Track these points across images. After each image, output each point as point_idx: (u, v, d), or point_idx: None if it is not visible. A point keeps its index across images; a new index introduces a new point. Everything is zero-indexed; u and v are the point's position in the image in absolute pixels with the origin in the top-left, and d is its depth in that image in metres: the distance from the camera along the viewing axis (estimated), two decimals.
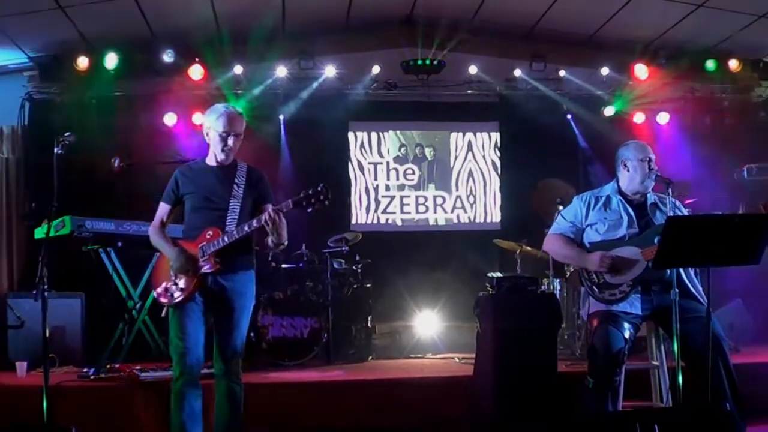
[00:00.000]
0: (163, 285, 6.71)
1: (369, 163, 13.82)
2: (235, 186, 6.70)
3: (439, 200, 13.94)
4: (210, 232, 6.58)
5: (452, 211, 13.95)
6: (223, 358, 6.58)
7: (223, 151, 6.74)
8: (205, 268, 6.55)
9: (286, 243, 6.79)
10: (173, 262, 6.64)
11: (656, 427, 5.35)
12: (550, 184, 11.46)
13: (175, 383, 6.50)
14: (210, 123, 6.80)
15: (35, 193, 11.36)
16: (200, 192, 6.77)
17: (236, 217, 6.59)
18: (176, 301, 6.58)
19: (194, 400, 6.50)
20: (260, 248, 7.02)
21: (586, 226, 7.08)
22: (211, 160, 6.87)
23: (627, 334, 6.65)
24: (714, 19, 11.56)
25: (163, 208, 6.98)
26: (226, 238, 6.50)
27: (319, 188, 6.31)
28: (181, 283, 6.59)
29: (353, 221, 13.49)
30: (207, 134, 6.85)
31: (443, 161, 13.97)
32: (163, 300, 6.69)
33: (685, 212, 7.24)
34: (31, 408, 7.22)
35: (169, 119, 12.32)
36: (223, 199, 6.66)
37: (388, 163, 13.85)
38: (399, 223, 13.83)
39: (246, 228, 6.46)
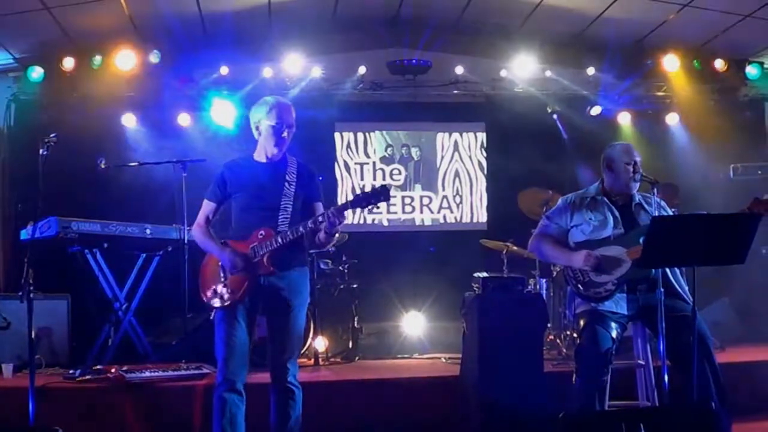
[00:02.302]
0: (212, 288, 6.60)
1: (355, 163, 13.81)
2: (286, 184, 6.56)
3: (426, 200, 13.94)
4: (262, 232, 6.45)
5: (439, 212, 13.96)
6: (280, 360, 6.50)
7: (277, 145, 6.60)
8: (259, 271, 6.45)
9: (329, 247, 6.78)
10: (225, 263, 6.52)
11: (642, 426, 5.35)
12: (532, 191, 11.44)
13: (217, 388, 6.46)
14: (260, 116, 6.64)
15: (21, 195, 11.35)
16: (250, 190, 6.63)
17: (288, 216, 6.48)
18: (226, 303, 6.49)
19: (235, 407, 6.43)
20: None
21: (571, 227, 7.12)
22: (260, 156, 6.73)
23: (614, 334, 6.69)
24: (700, 19, 11.57)
25: (207, 206, 6.81)
26: (279, 239, 6.37)
27: (379, 188, 6.20)
28: (232, 284, 6.50)
29: None
30: (256, 128, 6.69)
31: (429, 161, 13.98)
32: (213, 303, 6.60)
33: (670, 212, 7.26)
34: (17, 409, 7.22)
35: (156, 120, 12.31)
36: (275, 198, 6.53)
37: (374, 163, 13.85)
38: (385, 223, 13.84)
39: (301, 229, 6.33)
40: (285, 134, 6.60)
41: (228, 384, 6.42)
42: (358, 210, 12.83)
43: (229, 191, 6.73)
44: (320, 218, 6.27)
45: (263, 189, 6.61)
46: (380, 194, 6.16)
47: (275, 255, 6.43)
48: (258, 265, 6.45)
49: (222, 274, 6.57)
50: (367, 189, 6.23)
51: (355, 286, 11.31)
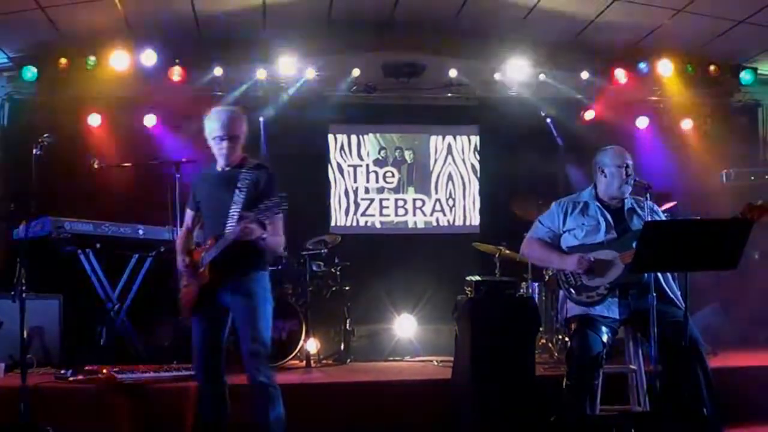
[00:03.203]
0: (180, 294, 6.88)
1: (348, 165, 13.82)
2: (237, 191, 6.62)
3: (419, 203, 13.95)
4: (209, 241, 6.62)
5: (431, 214, 13.97)
6: (245, 360, 6.57)
7: (220, 155, 6.76)
8: (201, 279, 6.63)
9: (278, 252, 6.92)
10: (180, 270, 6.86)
11: (633, 431, 5.37)
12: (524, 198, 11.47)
13: None
14: (205, 128, 6.80)
15: (14, 194, 11.33)
16: (207, 199, 6.85)
17: (234, 224, 6.50)
18: (186, 309, 6.79)
19: (205, 404, 6.76)
20: None
21: (564, 232, 7.12)
22: (218, 165, 6.87)
23: (605, 338, 6.68)
24: (694, 24, 11.58)
25: (187, 215, 7.12)
26: (214, 250, 6.52)
27: (275, 199, 6.30)
28: (190, 290, 6.74)
29: (332, 223, 13.50)
30: (207, 140, 6.87)
31: (423, 164, 13.98)
32: (182, 307, 6.87)
33: (663, 217, 7.27)
34: (9, 409, 7.21)
35: (149, 120, 12.31)
36: (226, 206, 6.60)
37: (367, 165, 13.87)
38: (378, 225, 13.85)
39: (223, 241, 6.47)
40: (224, 144, 6.73)
41: (197, 383, 6.88)
42: (344, 212, 13.02)
43: (197, 200, 6.98)
44: (236, 230, 6.42)
45: (216, 198, 6.76)
46: (276, 206, 6.26)
47: (219, 261, 6.56)
48: (201, 272, 6.66)
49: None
50: (267, 202, 6.32)
51: (347, 288, 11.33)
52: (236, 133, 6.74)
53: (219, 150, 6.73)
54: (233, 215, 6.53)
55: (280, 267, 10.87)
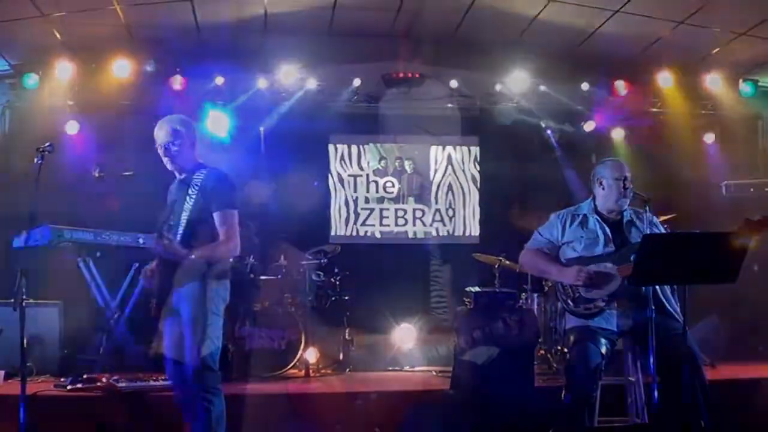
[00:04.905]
0: None
1: (349, 175, 13.83)
2: (187, 198, 6.61)
3: (419, 213, 13.95)
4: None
5: (431, 225, 13.97)
6: None
7: (166, 165, 6.82)
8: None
9: (228, 259, 6.83)
10: None
11: None
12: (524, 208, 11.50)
13: None
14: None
15: (14, 202, 11.33)
16: (168, 208, 6.83)
17: (181, 233, 6.53)
18: (156, 316, 6.72)
19: (184, 407, 6.66)
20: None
21: (563, 244, 7.11)
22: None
23: (604, 350, 6.67)
24: (695, 36, 11.60)
25: None
26: (157, 259, 6.63)
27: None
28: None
29: (332, 233, 13.51)
30: None
31: (423, 174, 14.00)
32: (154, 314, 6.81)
33: (662, 229, 7.26)
34: (8, 417, 7.21)
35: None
36: (178, 214, 6.61)
37: (367, 175, 13.88)
38: (378, 235, 13.85)
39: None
40: (162, 156, 6.78)
41: None
42: (344, 222, 13.04)
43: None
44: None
45: (172, 206, 6.78)
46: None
47: (162, 272, 6.62)
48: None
49: None
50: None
51: (346, 297, 11.32)
52: (165, 141, 6.75)
53: (164, 161, 6.79)
54: (181, 223, 6.56)
55: (279, 276, 10.90)
